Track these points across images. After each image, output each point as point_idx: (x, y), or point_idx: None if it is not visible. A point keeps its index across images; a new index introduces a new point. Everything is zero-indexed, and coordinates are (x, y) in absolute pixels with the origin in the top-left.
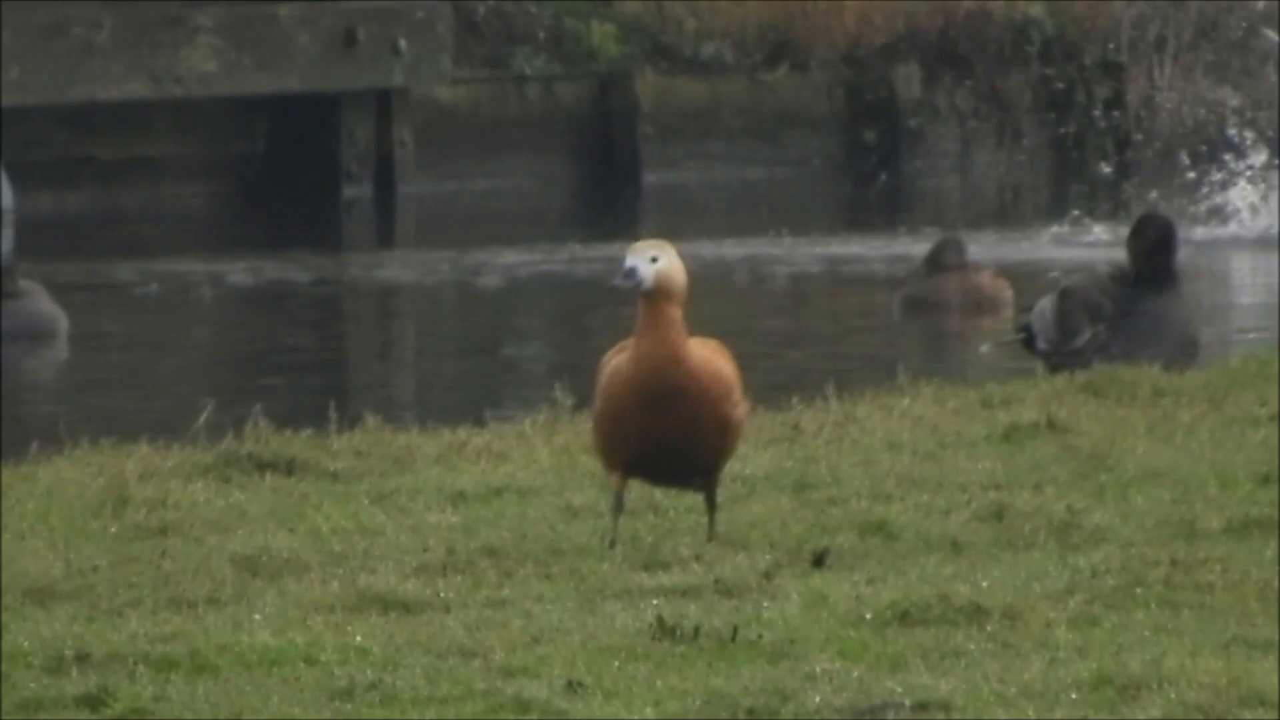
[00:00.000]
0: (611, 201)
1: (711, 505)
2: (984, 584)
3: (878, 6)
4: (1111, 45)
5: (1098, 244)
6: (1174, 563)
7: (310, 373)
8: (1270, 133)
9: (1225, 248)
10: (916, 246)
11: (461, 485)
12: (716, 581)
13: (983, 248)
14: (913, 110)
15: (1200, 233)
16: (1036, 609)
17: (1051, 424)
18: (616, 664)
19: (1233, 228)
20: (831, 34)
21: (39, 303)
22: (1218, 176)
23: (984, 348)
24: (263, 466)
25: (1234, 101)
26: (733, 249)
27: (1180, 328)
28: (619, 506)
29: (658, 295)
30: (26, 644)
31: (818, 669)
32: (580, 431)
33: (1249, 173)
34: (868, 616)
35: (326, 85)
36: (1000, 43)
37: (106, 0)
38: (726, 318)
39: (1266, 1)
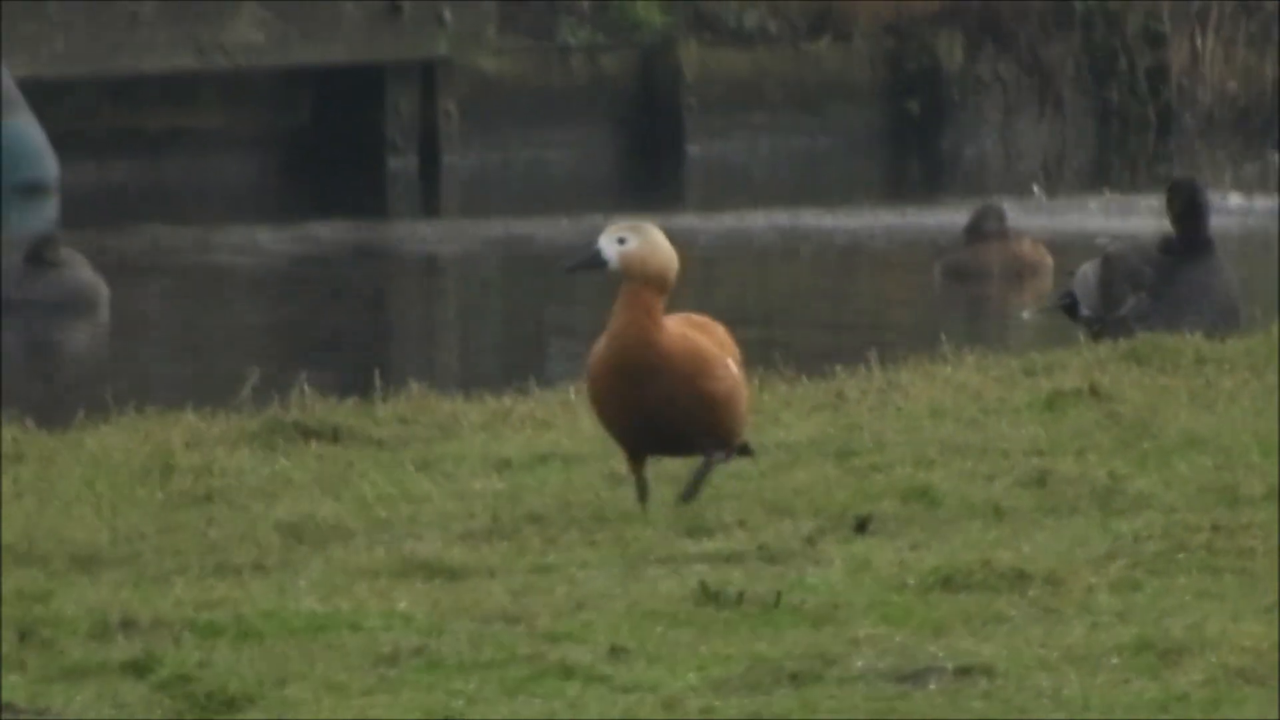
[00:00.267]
0: (655, 172)
1: (700, 482)
2: (1026, 549)
3: None
4: (1153, 16)
5: (1138, 212)
6: (1215, 528)
7: (355, 341)
8: None
9: (1264, 217)
10: (959, 215)
11: (506, 452)
12: (760, 547)
13: (1024, 216)
14: (955, 80)
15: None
16: (1079, 574)
17: (1094, 391)
18: (660, 629)
19: (1273, 196)
20: (874, 4)
21: (80, 272)
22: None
23: (1025, 313)
24: (308, 434)
25: (1275, 72)
26: (776, 218)
27: (1222, 296)
28: (643, 492)
29: (629, 276)
30: (73, 610)
31: (861, 634)
32: None
33: None
34: (910, 582)
35: (371, 56)
36: (1043, 12)
37: None
38: (769, 286)
39: None
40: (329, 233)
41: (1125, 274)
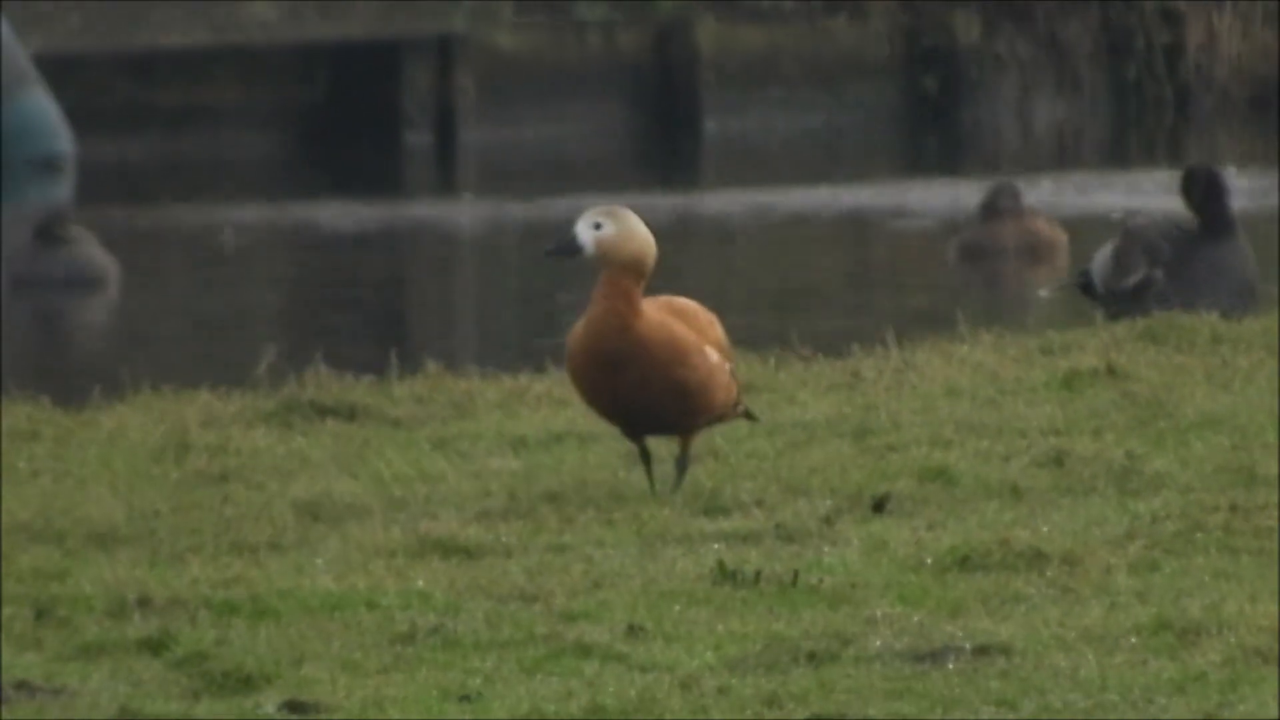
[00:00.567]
0: (671, 148)
1: (682, 468)
2: (1044, 529)
3: None
4: None
5: (1155, 191)
6: (1233, 508)
7: (371, 319)
8: None
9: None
10: (975, 193)
11: (522, 431)
12: (777, 527)
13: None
14: (972, 57)
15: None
16: (1096, 554)
17: (1111, 370)
18: (677, 608)
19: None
20: None
21: (90, 250)
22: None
23: (1042, 291)
24: (324, 412)
25: None
26: (792, 195)
27: (1238, 276)
28: (644, 455)
29: (605, 262)
30: (89, 588)
31: (878, 614)
32: None
33: None
34: (928, 562)
35: (388, 32)
36: None
37: None
38: (786, 264)
39: None
40: (345, 209)
41: (1143, 247)
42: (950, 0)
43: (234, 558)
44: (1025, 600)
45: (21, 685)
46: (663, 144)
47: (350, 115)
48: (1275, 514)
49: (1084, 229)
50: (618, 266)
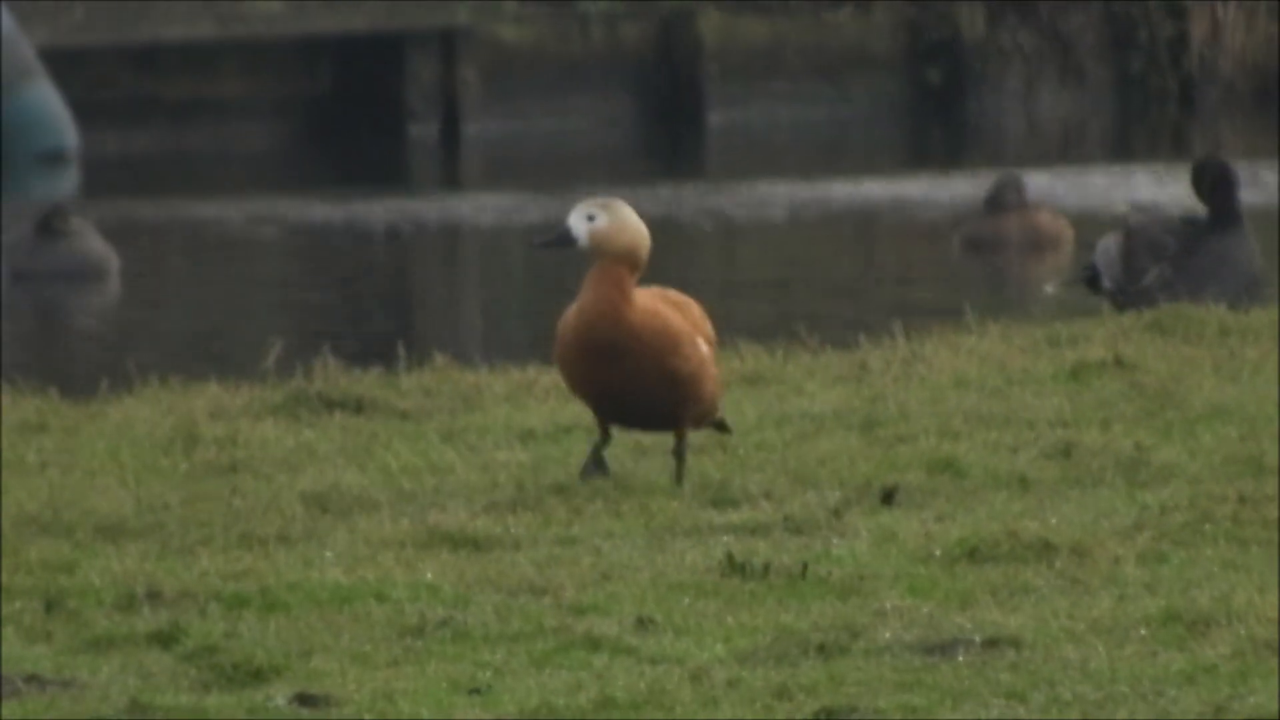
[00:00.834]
0: (675, 140)
1: (680, 459)
2: (1052, 521)
3: None
4: None
5: (1160, 183)
6: (1241, 499)
7: (378, 312)
8: None
9: None
10: (980, 186)
11: (530, 423)
12: (786, 519)
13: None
14: (976, 49)
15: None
16: (1105, 545)
17: (1119, 362)
18: (686, 601)
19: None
20: None
21: (90, 242)
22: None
23: (1048, 287)
24: (332, 405)
25: None
26: (796, 188)
27: (1244, 267)
28: (603, 440)
29: (599, 253)
30: (98, 581)
31: (887, 605)
32: None
33: None
34: (937, 553)
35: (392, 24)
36: None
37: None
38: (791, 256)
39: None
40: (350, 201)
41: (1147, 245)
42: None
43: (243, 550)
44: (1034, 592)
45: (31, 678)
46: (666, 136)
47: (354, 108)
48: None
49: (1087, 222)
50: (611, 257)
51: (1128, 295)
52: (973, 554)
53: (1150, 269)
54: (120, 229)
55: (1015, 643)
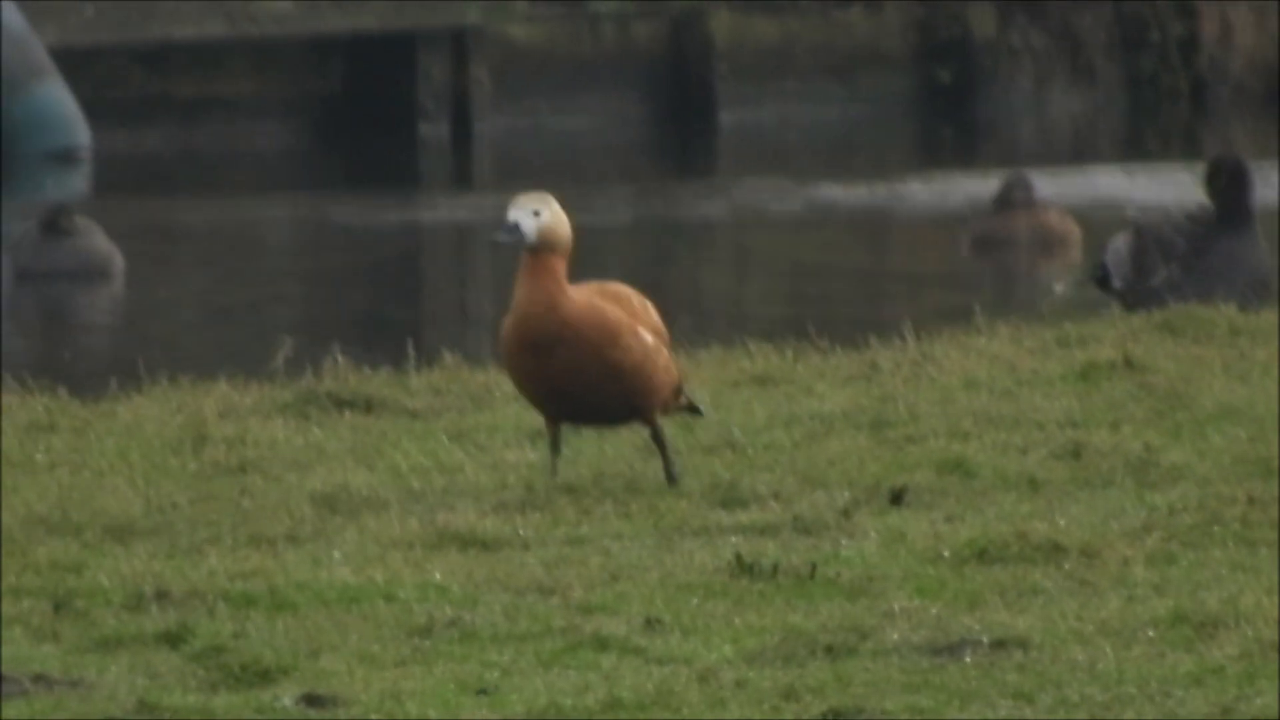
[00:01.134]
0: (686, 139)
1: (660, 447)
2: (1061, 522)
3: None
4: None
5: (1171, 183)
6: (1251, 500)
7: (388, 311)
8: None
9: None
10: (990, 185)
11: (539, 423)
12: (795, 519)
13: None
14: (987, 48)
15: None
16: (1114, 547)
17: (1128, 362)
18: (695, 601)
19: None
20: None
21: (94, 241)
22: None
23: (1057, 286)
24: (341, 404)
25: None
26: (807, 187)
27: (1252, 268)
28: (555, 446)
29: (547, 248)
30: (106, 581)
31: (896, 606)
32: None
33: None
34: (946, 554)
35: (403, 24)
36: None
37: None
38: (801, 255)
39: None
40: (361, 200)
41: (1157, 245)
42: None
43: (251, 550)
44: (1043, 593)
45: (39, 678)
46: (677, 135)
47: (365, 107)
48: None
49: (1097, 222)
50: (548, 250)
51: (1138, 295)
52: (981, 555)
53: (1160, 269)
54: (130, 228)
55: (1023, 644)
